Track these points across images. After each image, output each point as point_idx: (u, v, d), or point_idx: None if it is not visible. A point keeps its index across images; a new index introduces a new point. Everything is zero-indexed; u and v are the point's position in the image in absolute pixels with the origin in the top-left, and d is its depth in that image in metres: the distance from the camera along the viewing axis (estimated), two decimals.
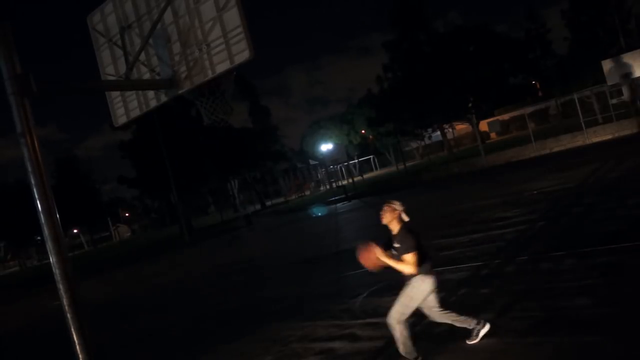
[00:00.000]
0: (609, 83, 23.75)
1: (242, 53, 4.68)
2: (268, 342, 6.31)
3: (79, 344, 3.63)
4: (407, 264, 4.40)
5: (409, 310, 4.49)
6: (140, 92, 5.58)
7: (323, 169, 49.27)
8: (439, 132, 48.76)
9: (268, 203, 51.97)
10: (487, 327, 4.62)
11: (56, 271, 3.67)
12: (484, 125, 48.74)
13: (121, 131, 44.11)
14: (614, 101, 25.70)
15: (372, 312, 6.42)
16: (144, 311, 11.14)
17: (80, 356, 3.63)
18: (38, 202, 3.66)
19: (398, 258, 4.45)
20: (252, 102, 54.14)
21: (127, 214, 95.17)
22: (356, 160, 57.05)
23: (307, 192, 49.16)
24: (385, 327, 5.74)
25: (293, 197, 49.19)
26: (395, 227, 4.50)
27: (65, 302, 3.64)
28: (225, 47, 4.77)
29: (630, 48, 29.21)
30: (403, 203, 4.52)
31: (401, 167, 40.30)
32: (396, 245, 4.48)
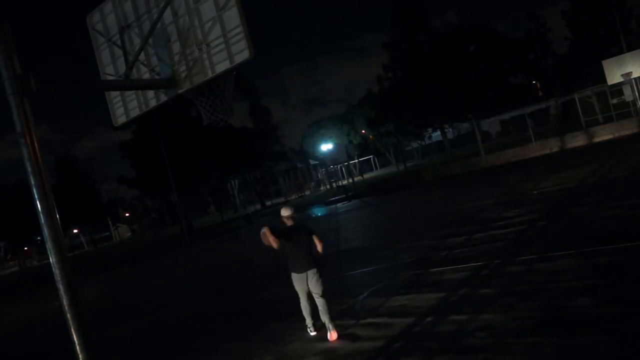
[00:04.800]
0: (610, 83, 23.75)
1: (242, 53, 4.68)
2: (268, 342, 6.31)
3: (79, 344, 3.63)
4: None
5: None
6: (139, 91, 5.58)
7: (323, 169, 49.27)
8: (439, 132, 48.82)
9: (268, 203, 51.97)
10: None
11: (56, 271, 3.67)
12: (484, 125, 48.65)
13: (118, 132, 44.19)
14: (615, 101, 25.69)
15: (372, 312, 6.42)
16: (144, 311, 11.13)
17: (80, 356, 3.63)
18: (38, 202, 3.66)
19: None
20: (252, 102, 54.11)
21: (127, 214, 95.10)
22: (356, 160, 57.05)
23: (307, 192, 49.16)
24: (385, 327, 5.75)
25: (293, 197, 49.17)
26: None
27: (65, 302, 3.64)
28: (225, 46, 4.77)
29: (631, 48, 29.23)
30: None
31: (401, 167, 40.27)
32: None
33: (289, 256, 5.94)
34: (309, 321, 6.14)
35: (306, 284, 5.84)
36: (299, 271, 5.86)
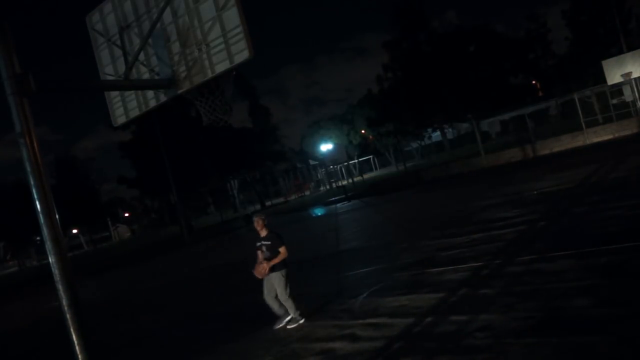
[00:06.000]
0: (610, 83, 23.75)
1: (242, 53, 4.68)
2: (268, 342, 6.30)
3: (78, 344, 3.63)
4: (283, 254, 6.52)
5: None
6: (139, 92, 5.58)
7: (323, 169, 49.25)
8: (439, 132, 48.83)
9: (268, 203, 51.95)
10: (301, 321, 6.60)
11: (56, 271, 3.66)
12: (484, 125, 48.65)
13: (117, 132, 44.25)
14: (614, 101, 25.71)
15: (372, 312, 6.42)
16: (143, 311, 11.12)
17: (80, 356, 3.62)
18: (37, 202, 3.65)
19: (272, 253, 6.49)
20: (252, 102, 54.09)
21: (126, 214, 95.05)
22: (356, 161, 57.03)
23: (307, 192, 49.14)
24: (385, 327, 5.74)
25: (293, 197, 49.17)
26: (264, 232, 6.63)
27: (64, 302, 3.64)
28: (225, 46, 4.77)
29: (630, 48, 29.23)
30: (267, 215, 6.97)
31: (401, 167, 40.28)
32: (266, 243, 6.54)
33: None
34: (297, 312, 6.62)
35: None
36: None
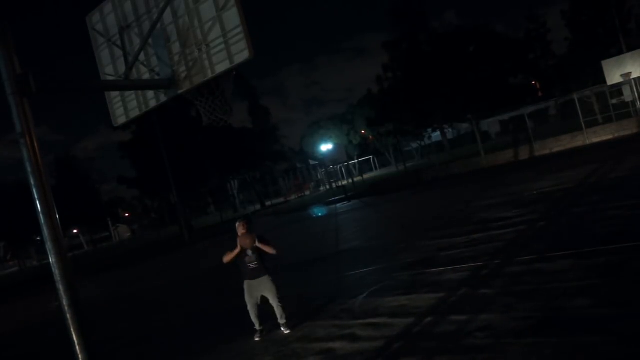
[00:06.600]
0: (609, 83, 23.76)
1: (242, 53, 4.68)
2: (268, 342, 6.31)
3: (78, 344, 3.63)
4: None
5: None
6: (139, 92, 5.58)
7: (323, 169, 49.25)
8: (438, 132, 48.84)
9: (268, 203, 51.95)
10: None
11: (56, 271, 3.67)
12: (484, 126, 48.64)
13: (117, 132, 44.28)
14: (614, 101, 25.71)
15: (372, 312, 6.42)
16: (143, 311, 11.13)
17: (80, 356, 3.63)
18: (38, 202, 3.66)
19: (261, 255, 6.55)
20: (252, 102, 54.10)
21: (126, 214, 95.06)
22: (356, 161, 57.03)
23: (307, 193, 49.14)
24: (385, 327, 5.75)
25: (293, 197, 49.16)
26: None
27: (65, 302, 3.64)
28: (225, 47, 4.77)
29: (630, 48, 29.23)
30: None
31: (401, 167, 40.27)
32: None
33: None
34: (284, 315, 6.64)
35: None
36: None
